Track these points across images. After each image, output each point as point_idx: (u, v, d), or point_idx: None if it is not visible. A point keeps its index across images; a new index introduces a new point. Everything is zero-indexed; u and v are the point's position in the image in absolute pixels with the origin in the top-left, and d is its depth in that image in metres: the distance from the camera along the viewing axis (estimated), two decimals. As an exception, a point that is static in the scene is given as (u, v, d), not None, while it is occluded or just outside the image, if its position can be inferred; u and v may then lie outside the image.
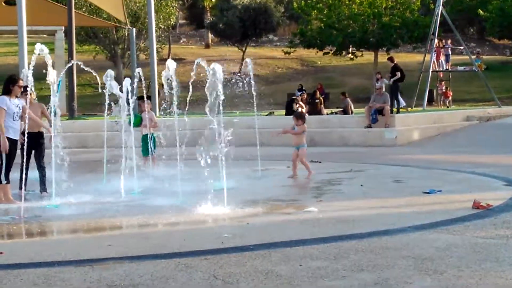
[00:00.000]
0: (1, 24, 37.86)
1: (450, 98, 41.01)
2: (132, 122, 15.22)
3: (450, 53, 39.88)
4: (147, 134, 16.59)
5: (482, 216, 9.89)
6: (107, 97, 14.05)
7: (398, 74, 29.53)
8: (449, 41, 39.17)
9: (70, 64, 23.17)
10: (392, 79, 29.64)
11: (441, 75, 40.81)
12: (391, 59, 31.34)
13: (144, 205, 11.47)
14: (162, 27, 52.51)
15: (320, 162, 18.61)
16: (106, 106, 14.15)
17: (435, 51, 37.90)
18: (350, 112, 31.26)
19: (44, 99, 14.46)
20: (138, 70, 16.30)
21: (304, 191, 13.62)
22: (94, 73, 13.90)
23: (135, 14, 49.16)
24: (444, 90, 40.78)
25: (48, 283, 6.69)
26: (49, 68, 12.42)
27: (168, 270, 7.10)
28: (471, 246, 7.93)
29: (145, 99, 17.32)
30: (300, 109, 30.17)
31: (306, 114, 30.13)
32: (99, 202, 11.96)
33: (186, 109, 12.59)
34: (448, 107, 39.77)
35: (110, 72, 14.17)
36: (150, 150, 16.50)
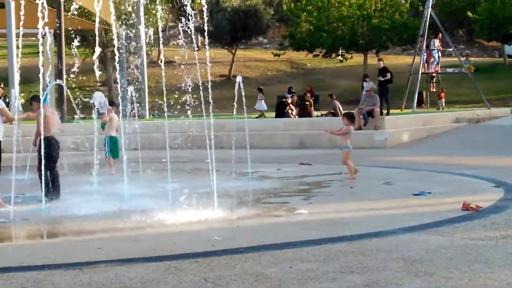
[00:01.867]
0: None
1: (443, 100, 41.10)
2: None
3: (439, 55, 39.82)
4: (111, 136, 16.95)
5: (472, 217, 9.91)
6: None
7: (389, 75, 29.59)
8: (437, 41, 39.14)
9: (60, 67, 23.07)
10: (383, 78, 29.62)
11: (433, 88, 40.89)
12: (381, 60, 31.47)
13: (134, 208, 11.44)
14: (152, 30, 52.44)
15: (310, 165, 18.64)
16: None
17: (424, 53, 38.00)
18: (339, 114, 31.27)
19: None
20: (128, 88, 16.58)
21: (294, 193, 13.62)
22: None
23: (125, 17, 49.08)
24: (435, 90, 40.81)
25: (38, 286, 6.68)
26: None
27: (159, 273, 7.10)
28: (461, 247, 7.95)
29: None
30: (290, 111, 30.20)
31: (296, 117, 30.25)
32: (89, 205, 11.91)
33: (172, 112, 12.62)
34: (438, 108, 39.85)
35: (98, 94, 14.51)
36: (110, 152, 16.90)
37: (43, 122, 12.53)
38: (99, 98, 14.88)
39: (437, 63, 39.53)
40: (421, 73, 37.94)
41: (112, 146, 16.96)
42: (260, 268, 7.19)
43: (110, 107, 17.37)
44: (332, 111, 32.33)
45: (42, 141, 12.57)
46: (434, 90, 41.19)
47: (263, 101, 39.57)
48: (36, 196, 12.94)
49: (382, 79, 29.66)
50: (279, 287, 6.46)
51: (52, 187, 12.96)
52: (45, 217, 11.15)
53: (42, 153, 12.63)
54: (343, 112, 31.34)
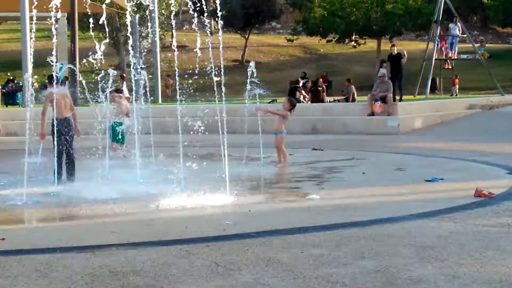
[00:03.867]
0: (4, 10, 37.87)
1: (457, 86, 40.91)
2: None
3: (456, 41, 39.47)
4: (115, 122, 16.81)
5: (484, 204, 9.88)
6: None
7: (404, 61, 29.39)
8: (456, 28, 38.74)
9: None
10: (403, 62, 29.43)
11: (449, 66, 40.60)
12: (394, 46, 31.33)
13: (146, 192, 11.46)
14: (165, 14, 52.41)
15: (322, 150, 18.62)
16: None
17: (438, 39, 37.80)
18: (352, 99, 31.21)
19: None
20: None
21: (306, 179, 13.61)
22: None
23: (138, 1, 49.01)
24: (450, 67, 40.54)
25: (50, 269, 6.70)
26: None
27: (170, 256, 7.11)
28: (473, 234, 7.93)
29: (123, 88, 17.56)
30: (302, 97, 30.14)
31: (309, 102, 30.20)
32: (101, 189, 11.93)
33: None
34: (452, 94, 39.70)
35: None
36: (118, 138, 16.76)
37: (56, 105, 12.54)
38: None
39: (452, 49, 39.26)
40: (435, 59, 37.75)
41: (114, 131, 16.76)
42: (271, 253, 7.19)
43: (116, 93, 17.30)
44: (345, 96, 32.30)
45: (56, 123, 12.59)
46: (450, 67, 40.82)
47: None
48: (49, 179, 12.98)
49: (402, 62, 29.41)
50: (290, 272, 6.46)
51: (67, 169, 13.01)
52: (57, 200, 11.19)
53: (57, 135, 12.67)
54: (356, 99, 31.42)
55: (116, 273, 6.52)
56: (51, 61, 12.42)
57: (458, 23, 38.17)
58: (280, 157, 15.29)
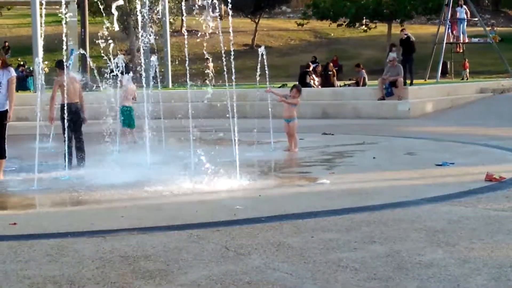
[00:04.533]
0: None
1: (468, 70, 40.71)
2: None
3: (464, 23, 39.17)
4: (124, 106, 16.70)
5: (495, 188, 9.87)
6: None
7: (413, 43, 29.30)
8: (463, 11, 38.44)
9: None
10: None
11: (460, 50, 40.38)
12: (404, 30, 31.20)
13: (156, 177, 11.47)
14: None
15: (332, 135, 18.61)
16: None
17: (449, 23, 37.58)
18: (362, 84, 31.09)
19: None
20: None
21: (317, 163, 13.61)
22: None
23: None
24: (461, 51, 40.34)
25: (61, 253, 6.74)
26: None
27: (181, 241, 7.13)
28: (483, 218, 7.92)
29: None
30: (312, 81, 30.06)
31: (319, 87, 30.12)
32: (111, 174, 11.95)
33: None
34: (462, 78, 39.52)
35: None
36: (127, 122, 16.66)
37: (66, 90, 12.57)
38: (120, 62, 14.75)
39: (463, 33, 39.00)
40: (446, 43, 37.56)
41: (123, 116, 16.70)
42: (281, 237, 7.20)
43: (123, 76, 17.20)
44: (356, 80, 32.17)
45: (67, 108, 12.61)
46: (461, 51, 40.58)
47: None
48: (59, 164, 13.02)
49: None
50: (301, 256, 6.48)
51: (77, 154, 13.05)
52: (67, 185, 11.21)
53: (67, 120, 12.69)
54: (367, 83, 31.32)
55: (127, 257, 6.54)
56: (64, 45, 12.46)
57: (464, 6, 37.92)
58: (292, 144, 15.25)
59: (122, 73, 17.23)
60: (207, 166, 10.71)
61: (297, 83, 23.84)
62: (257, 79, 16.03)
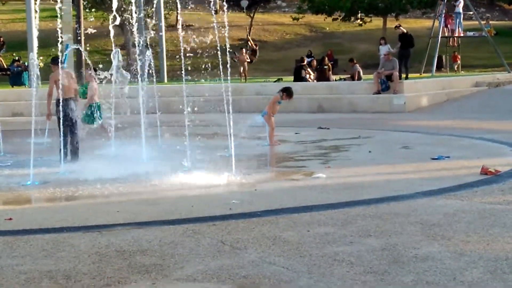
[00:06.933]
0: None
1: (459, 62, 40.73)
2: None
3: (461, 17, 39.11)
4: (92, 103, 16.45)
5: (490, 182, 9.88)
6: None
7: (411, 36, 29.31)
8: (460, 5, 38.37)
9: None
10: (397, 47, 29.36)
11: (454, 43, 40.43)
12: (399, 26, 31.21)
13: (151, 172, 11.47)
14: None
15: (328, 129, 18.61)
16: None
17: (444, 17, 37.58)
18: (357, 78, 31.07)
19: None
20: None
21: (312, 157, 13.61)
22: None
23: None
24: (456, 45, 40.41)
25: (57, 248, 6.73)
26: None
27: (176, 236, 7.13)
28: (479, 212, 7.93)
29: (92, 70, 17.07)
30: (307, 75, 30.05)
31: (315, 81, 30.10)
32: (106, 168, 11.93)
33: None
34: (456, 71, 39.56)
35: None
36: (95, 119, 16.44)
37: (61, 85, 12.56)
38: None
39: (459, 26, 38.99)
40: (441, 37, 37.57)
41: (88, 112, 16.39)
42: (277, 231, 7.21)
43: (90, 73, 16.86)
44: (350, 75, 32.15)
45: (62, 104, 12.60)
46: (456, 44, 40.67)
47: None
48: (55, 159, 13.00)
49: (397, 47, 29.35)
50: (296, 250, 6.48)
51: (72, 149, 13.04)
52: (63, 180, 11.20)
53: (63, 116, 12.68)
54: (362, 77, 31.30)
55: (122, 252, 6.54)
56: (60, 38, 12.42)
57: (461, 0, 37.94)
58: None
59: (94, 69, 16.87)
60: (202, 160, 10.70)
61: (293, 79, 23.77)
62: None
